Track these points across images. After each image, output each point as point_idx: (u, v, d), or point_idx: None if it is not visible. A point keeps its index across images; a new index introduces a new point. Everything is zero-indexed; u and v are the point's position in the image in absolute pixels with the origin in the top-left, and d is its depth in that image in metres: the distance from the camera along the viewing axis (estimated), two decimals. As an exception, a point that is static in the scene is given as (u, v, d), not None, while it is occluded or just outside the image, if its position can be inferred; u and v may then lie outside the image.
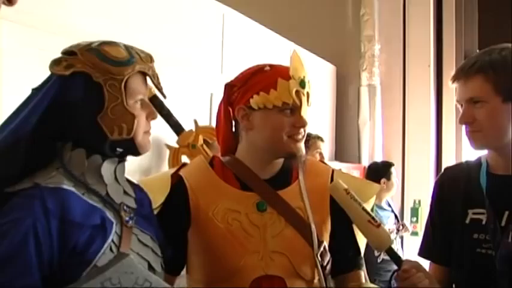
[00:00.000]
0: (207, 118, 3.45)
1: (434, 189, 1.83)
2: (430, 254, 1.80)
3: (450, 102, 5.39)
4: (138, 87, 1.37)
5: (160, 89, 1.45)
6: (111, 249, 1.29)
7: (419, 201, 5.38)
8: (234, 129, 1.74)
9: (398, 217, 4.69)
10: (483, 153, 1.73)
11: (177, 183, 1.68)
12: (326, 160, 4.39)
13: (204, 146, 2.42)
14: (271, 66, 1.67)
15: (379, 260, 4.29)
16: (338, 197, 1.62)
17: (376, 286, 1.81)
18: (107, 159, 1.36)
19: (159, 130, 2.55)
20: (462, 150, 5.41)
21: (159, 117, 2.40)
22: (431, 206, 1.83)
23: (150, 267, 1.39)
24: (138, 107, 1.37)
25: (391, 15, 5.62)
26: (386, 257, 4.34)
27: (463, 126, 1.66)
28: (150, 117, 1.40)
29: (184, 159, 2.40)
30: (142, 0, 3.07)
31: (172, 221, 1.66)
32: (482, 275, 1.60)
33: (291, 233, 1.62)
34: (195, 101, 3.45)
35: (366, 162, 5.42)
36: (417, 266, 1.54)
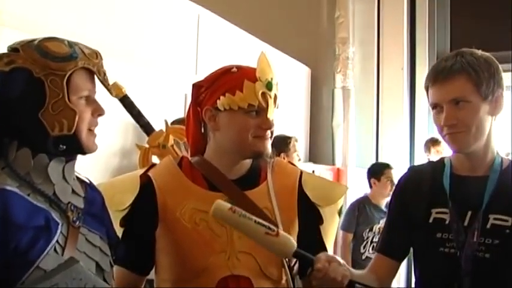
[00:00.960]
0: (180, 119, 3.45)
1: (396, 187, 1.85)
2: (387, 248, 1.80)
3: (423, 105, 5.45)
4: (82, 83, 1.35)
5: (106, 86, 1.42)
6: (55, 250, 1.27)
7: (392, 203, 5.41)
8: (203, 130, 1.75)
9: None
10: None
11: (146, 183, 1.68)
12: (301, 161, 4.44)
13: (175, 146, 2.42)
14: (238, 67, 1.67)
15: (363, 257, 4.33)
16: (224, 218, 1.49)
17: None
18: (54, 159, 1.34)
19: (129, 130, 2.56)
20: (435, 152, 5.47)
21: (130, 117, 2.42)
22: (391, 203, 1.85)
23: (98, 267, 1.39)
24: (82, 103, 1.35)
25: (366, 17, 5.67)
26: (371, 255, 4.39)
27: (436, 129, 1.68)
28: (96, 113, 1.38)
29: (155, 159, 2.39)
30: (117, 1, 3.06)
31: (140, 221, 1.67)
32: (446, 274, 1.63)
33: None
34: (169, 101, 3.45)
35: (339, 164, 5.46)
36: (329, 259, 1.51)
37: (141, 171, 1.77)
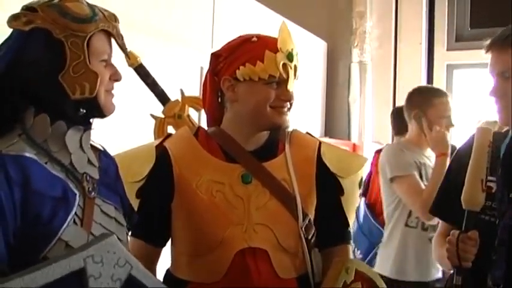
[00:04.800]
0: (196, 92, 3.42)
1: (456, 153, 1.85)
2: (440, 211, 1.84)
3: (441, 81, 5.38)
4: (101, 46, 1.32)
5: (124, 50, 1.40)
6: (74, 222, 1.25)
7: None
8: (220, 100, 1.72)
9: None
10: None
11: (161, 154, 1.66)
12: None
13: (190, 116, 2.40)
14: (258, 37, 1.64)
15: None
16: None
17: (360, 262, 1.80)
18: (72, 127, 1.30)
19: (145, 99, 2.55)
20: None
21: (145, 86, 2.39)
22: (450, 166, 1.89)
23: None
24: (102, 66, 1.32)
25: (384, -9, 5.59)
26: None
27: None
28: (113, 77, 1.35)
29: (171, 129, 2.37)
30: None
31: (156, 192, 1.66)
32: (483, 242, 1.60)
33: (275, 205, 1.61)
34: (185, 74, 3.43)
35: (355, 139, 5.42)
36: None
37: (157, 141, 1.75)
